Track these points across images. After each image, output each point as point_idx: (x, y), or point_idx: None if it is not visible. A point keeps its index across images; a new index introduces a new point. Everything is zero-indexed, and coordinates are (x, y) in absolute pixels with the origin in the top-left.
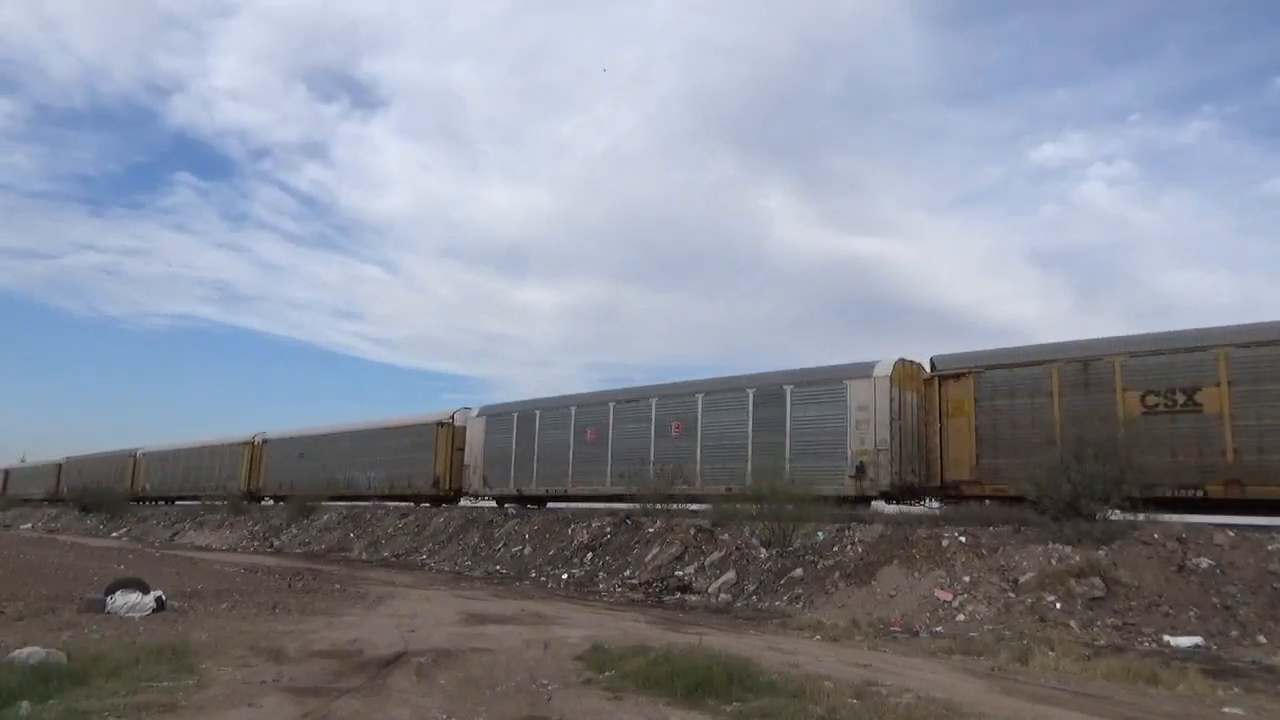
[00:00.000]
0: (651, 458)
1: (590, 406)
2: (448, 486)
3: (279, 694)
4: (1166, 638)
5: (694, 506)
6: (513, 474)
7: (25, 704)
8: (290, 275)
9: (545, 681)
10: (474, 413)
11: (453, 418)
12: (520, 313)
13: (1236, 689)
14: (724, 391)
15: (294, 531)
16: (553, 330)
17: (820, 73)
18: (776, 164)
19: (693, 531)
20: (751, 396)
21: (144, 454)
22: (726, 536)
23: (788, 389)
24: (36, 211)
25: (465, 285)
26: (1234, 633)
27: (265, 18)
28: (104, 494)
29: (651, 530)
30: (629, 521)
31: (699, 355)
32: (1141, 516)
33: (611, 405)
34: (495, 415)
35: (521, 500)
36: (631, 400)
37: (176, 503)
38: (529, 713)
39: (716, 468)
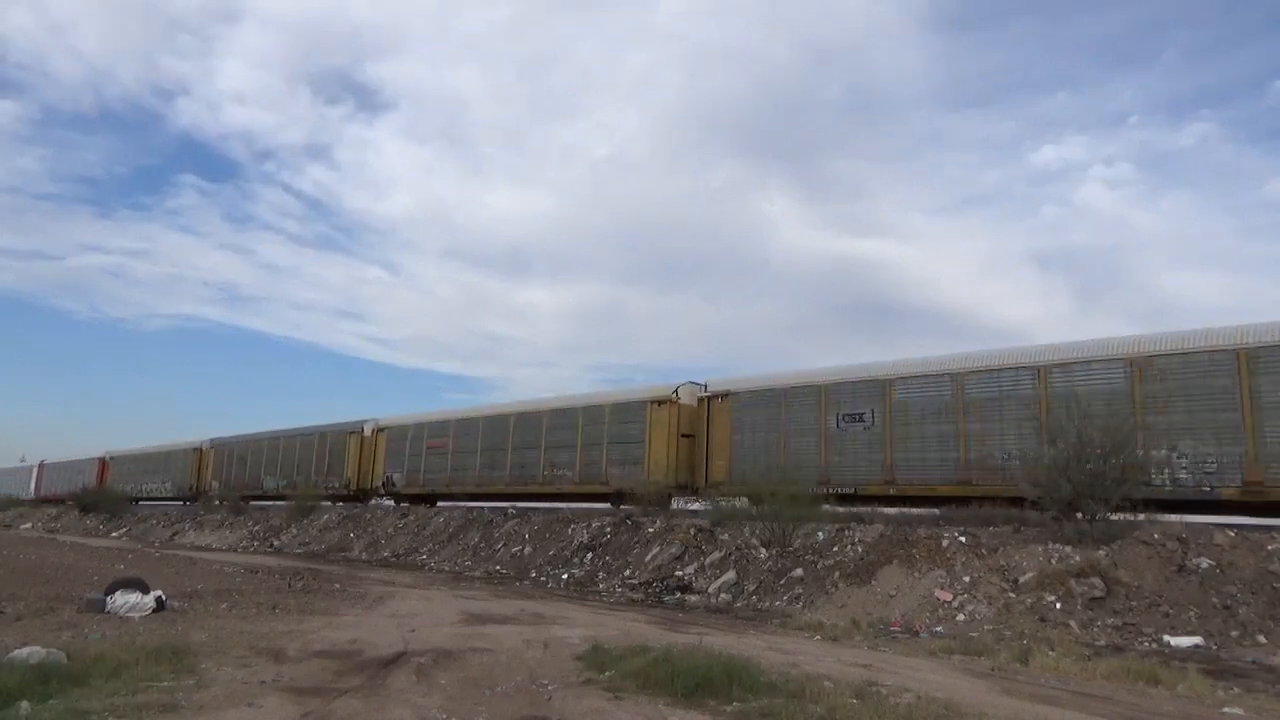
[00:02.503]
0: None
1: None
2: (671, 480)
3: (279, 694)
4: (1166, 638)
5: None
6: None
7: (25, 704)
8: (293, 276)
9: (545, 681)
10: (704, 389)
11: (676, 394)
12: (522, 314)
13: (1236, 689)
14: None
15: (294, 531)
16: (555, 331)
17: (823, 78)
18: (779, 168)
19: (693, 531)
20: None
21: (212, 443)
22: (726, 536)
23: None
24: (43, 213)
25: (467, 286)
26: (1234, 633)
27: (271, 22)
28: (103, 494)
29: (651, 530)
30: (629, 521)
31: (701, 357)
32: (1141, 516)
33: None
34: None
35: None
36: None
37: (272, 502)
38: (529, 713)
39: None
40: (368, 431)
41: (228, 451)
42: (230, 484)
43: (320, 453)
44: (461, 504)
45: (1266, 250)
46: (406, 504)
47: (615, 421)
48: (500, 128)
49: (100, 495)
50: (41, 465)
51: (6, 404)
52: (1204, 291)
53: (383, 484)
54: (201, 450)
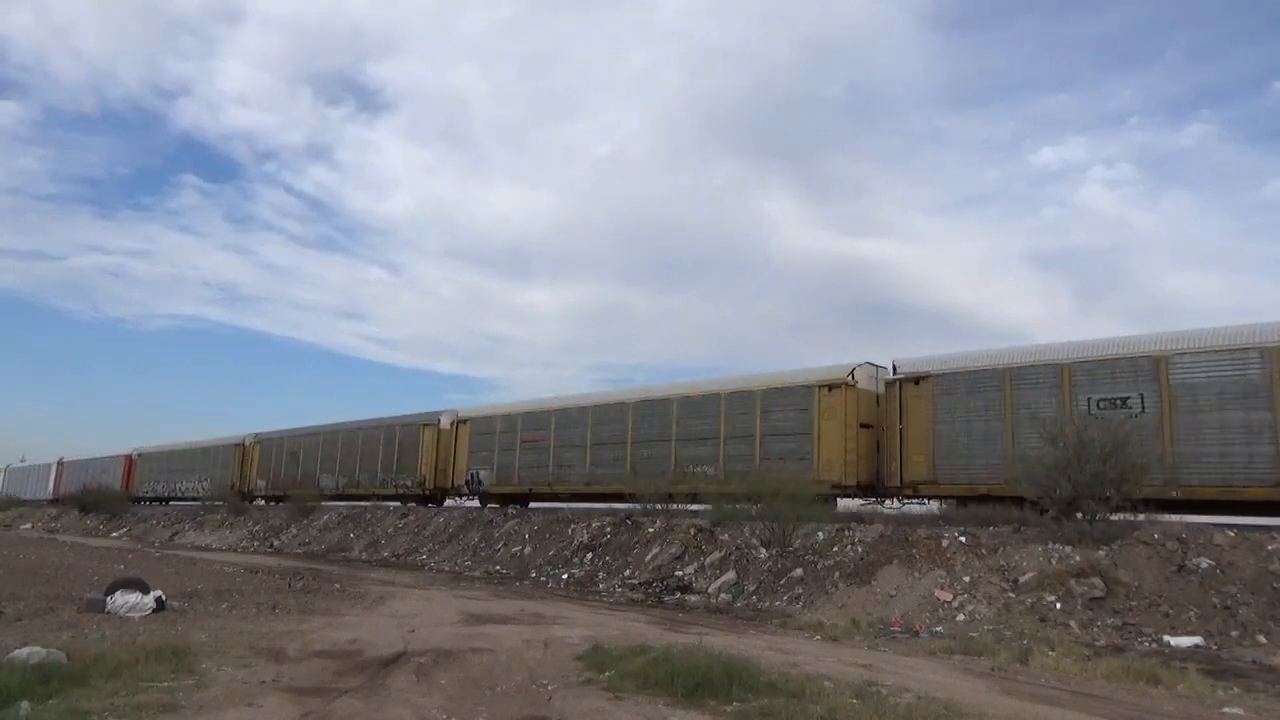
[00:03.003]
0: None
1: None
2: (851, 479)
3: (279, 694)
4: (1166, 638)
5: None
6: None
7: (25, 704)
8: (294, 277)
9: (545, 681)
10: (891, 370)
11: (853, 376)
12: (523, 314)
13: (1236, 689)
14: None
15: (294, 531)
16: (555, 331)
17: (823, 77)
18: (779, 167)
19: (693, 531)
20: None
21: (257, 438)
22: (726, 536)
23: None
24: (44, 214)
25: (468, 286)
26: (1234, 633)
27: (272, 22)
28: (103, 493)
29: (651, 530)
30: (629, 521)
31: (701, 356)
32: (1142, 516)
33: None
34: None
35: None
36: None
37: (333, 503)
38: (529, 713)
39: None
40: (445, 423)
41: (275, 447)
42: (278, 483)
43: (388, 448)
44: (568, 505)
45: (1266, 250)
46: (496, 504)
47: (771, 410)
48: (501, 127)
49: (100, 495)
50: (61, 464)
51: (6, 404)
52: (1204, 291)
53: (466, 482)
54: (244, 446)
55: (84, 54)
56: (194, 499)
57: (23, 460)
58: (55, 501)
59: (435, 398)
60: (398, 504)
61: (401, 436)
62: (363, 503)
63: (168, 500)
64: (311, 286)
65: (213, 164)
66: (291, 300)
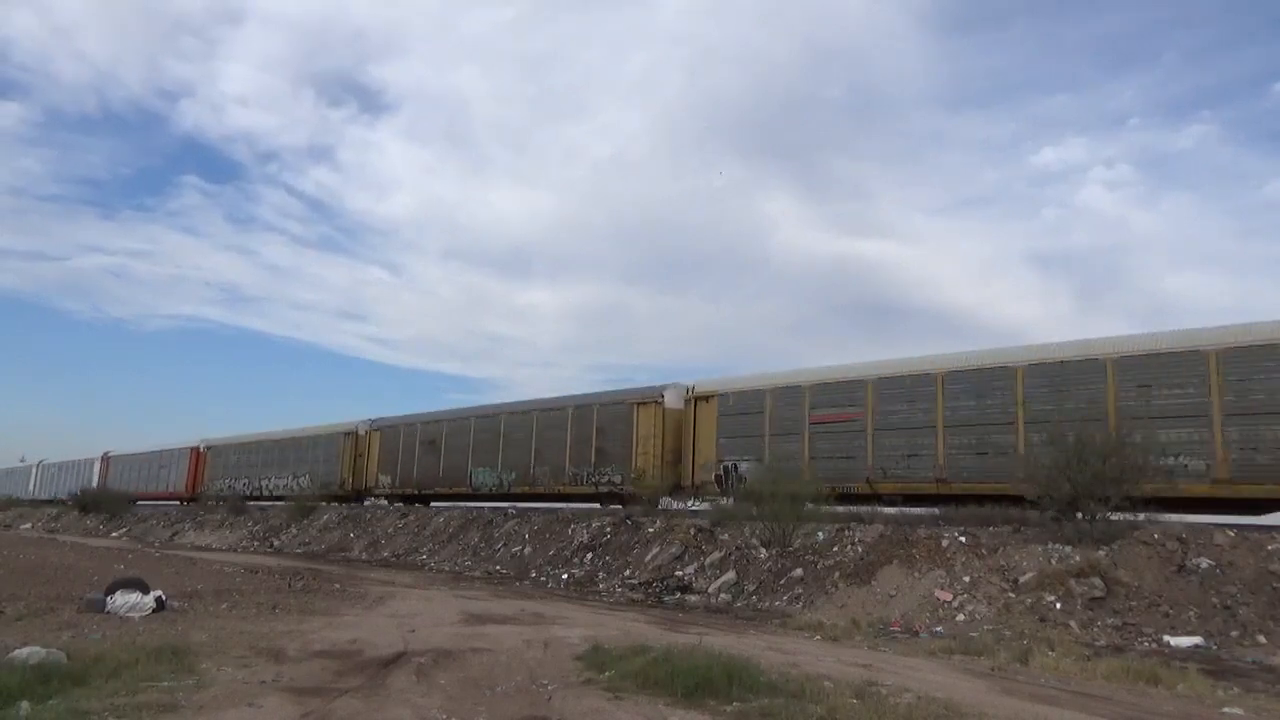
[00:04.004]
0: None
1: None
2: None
3: (279, 694)
4: (1166, 638)
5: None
6: None
7: (25, 704)
8: (295, 277)
9: (545, 681)
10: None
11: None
12: (523, 314)
13: (1236, 689)
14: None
15: (293, 531)
16: (556, 331)
17: (823, 78)
18: (780, 168)
19: (693, 531)
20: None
21: (374, 424)
22: (726, 536)
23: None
24: (46, 214)
25: (469, 287)
26: (1234, 633)
27: (274, 24)
28: (102, 493)
29: (651, 530)
30: (629, 521)
31: (701, 356)
32: (1141, 516)
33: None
34: None
35: None
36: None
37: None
38: (529, 713)
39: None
40: (671, 400)
41: (404, 435)
42: (409, 478)
43: (580, 433)
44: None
45: (1266, 251)
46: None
47: (604, 421)
48: (502, 128)
49: (100, 495)
50: (106, 458)
51: (7, 404)
52: (1204, 292)
53: (716, 477)
54: (357, 434)
55: (86, 55)
56: (287, 498)
57: (22, 460)
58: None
59: (436, 398)
60: (595, 505)
61: (600, 419)
62: (543, 504)
63: (250, 500)
64: (312, 287)
65: (214, 165)
66: (292, 300)
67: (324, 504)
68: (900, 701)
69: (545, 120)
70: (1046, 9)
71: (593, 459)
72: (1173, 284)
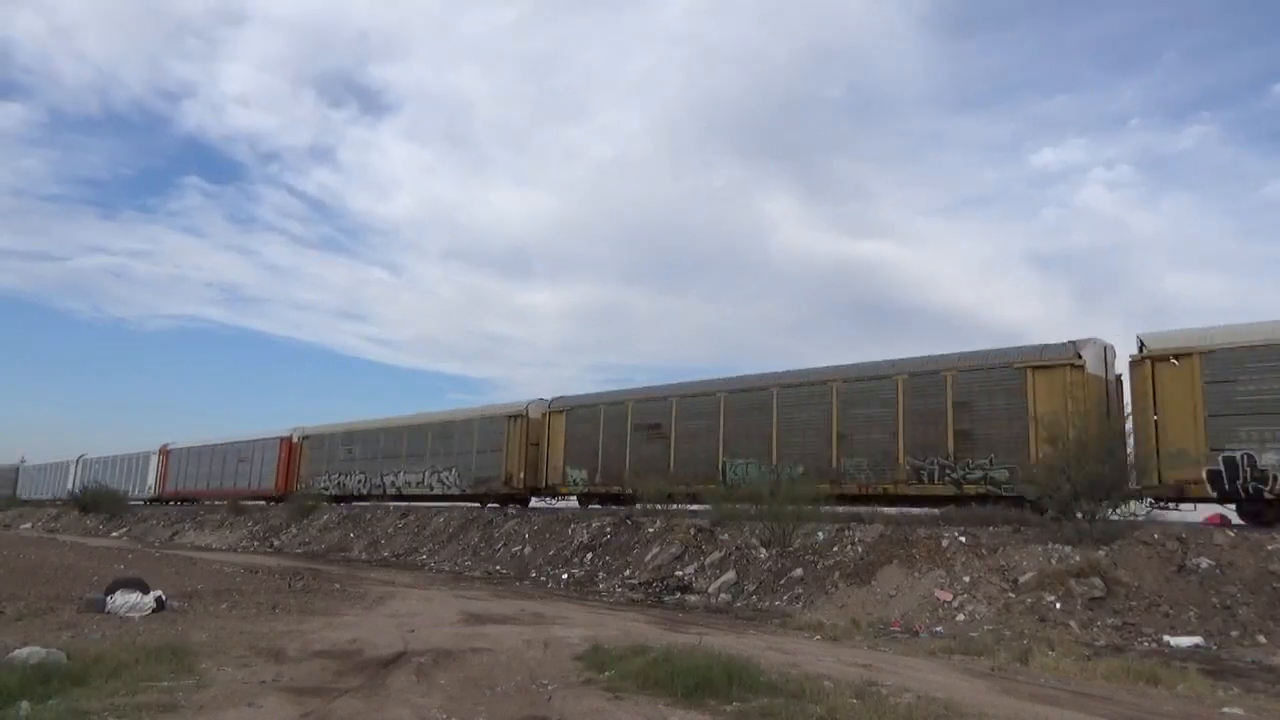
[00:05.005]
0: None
1: None
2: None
3: (279, 694)
4: (1166, 638)
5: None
6: None
7: (25, 704)
8: (296, 277)
9: (545, 681)
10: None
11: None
12: (523, 314)
13: (1236, 689)
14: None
15: (294, 531)
16: (556, 331)
17: (823, 78)
18: (780, 168)
19: (693, 531)
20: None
21: (552, 404)
22: (726, 536)
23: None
24: (47, 214)
25: (469, 287)
26: (1234, 633)
27: (275, 24)
28: (103, 494)
29: (651, 530)
30: (629, 521)
31: (702, 357)
32: (1141, 516)
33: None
34: None
35: None
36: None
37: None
38: (529, 713)
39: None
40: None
41: (607, 417)
42: (617, 474)
43: (924, 409)
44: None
45: (1266, 251)
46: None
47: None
48: (502, 128)
49: (100, 495)
50: (166, 451)
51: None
52: (1204, 292)
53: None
54: (528, 418)
55: (88, 56)
56: (430, 498)
57: (22, 461)
58: (158, 500)
59: (436, 398)
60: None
61: (959, 390)
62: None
63: (370, 498)
64: (313, 287)
65: (216, 165)
66: (293, 301)
67: (325, 504)
68: (900, 701)
69: (545, 120)
70: (1047, 9)
71: (950, 447)
72: (1173, 284)
